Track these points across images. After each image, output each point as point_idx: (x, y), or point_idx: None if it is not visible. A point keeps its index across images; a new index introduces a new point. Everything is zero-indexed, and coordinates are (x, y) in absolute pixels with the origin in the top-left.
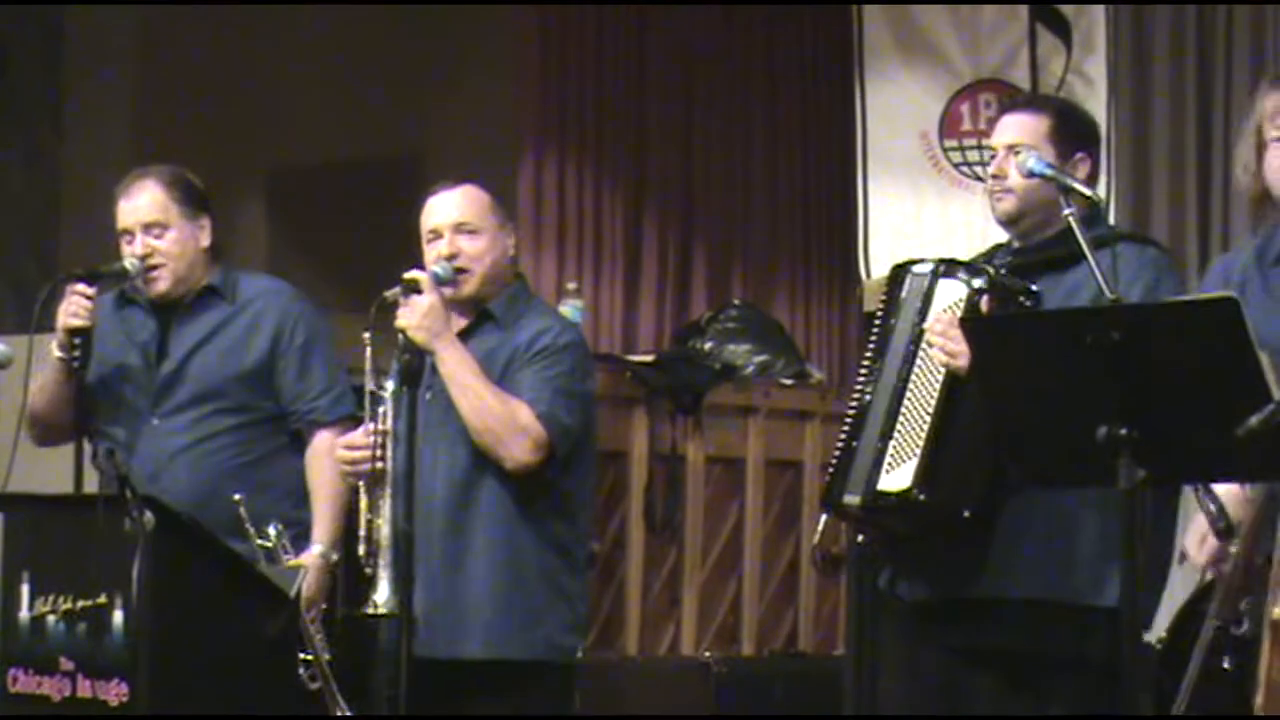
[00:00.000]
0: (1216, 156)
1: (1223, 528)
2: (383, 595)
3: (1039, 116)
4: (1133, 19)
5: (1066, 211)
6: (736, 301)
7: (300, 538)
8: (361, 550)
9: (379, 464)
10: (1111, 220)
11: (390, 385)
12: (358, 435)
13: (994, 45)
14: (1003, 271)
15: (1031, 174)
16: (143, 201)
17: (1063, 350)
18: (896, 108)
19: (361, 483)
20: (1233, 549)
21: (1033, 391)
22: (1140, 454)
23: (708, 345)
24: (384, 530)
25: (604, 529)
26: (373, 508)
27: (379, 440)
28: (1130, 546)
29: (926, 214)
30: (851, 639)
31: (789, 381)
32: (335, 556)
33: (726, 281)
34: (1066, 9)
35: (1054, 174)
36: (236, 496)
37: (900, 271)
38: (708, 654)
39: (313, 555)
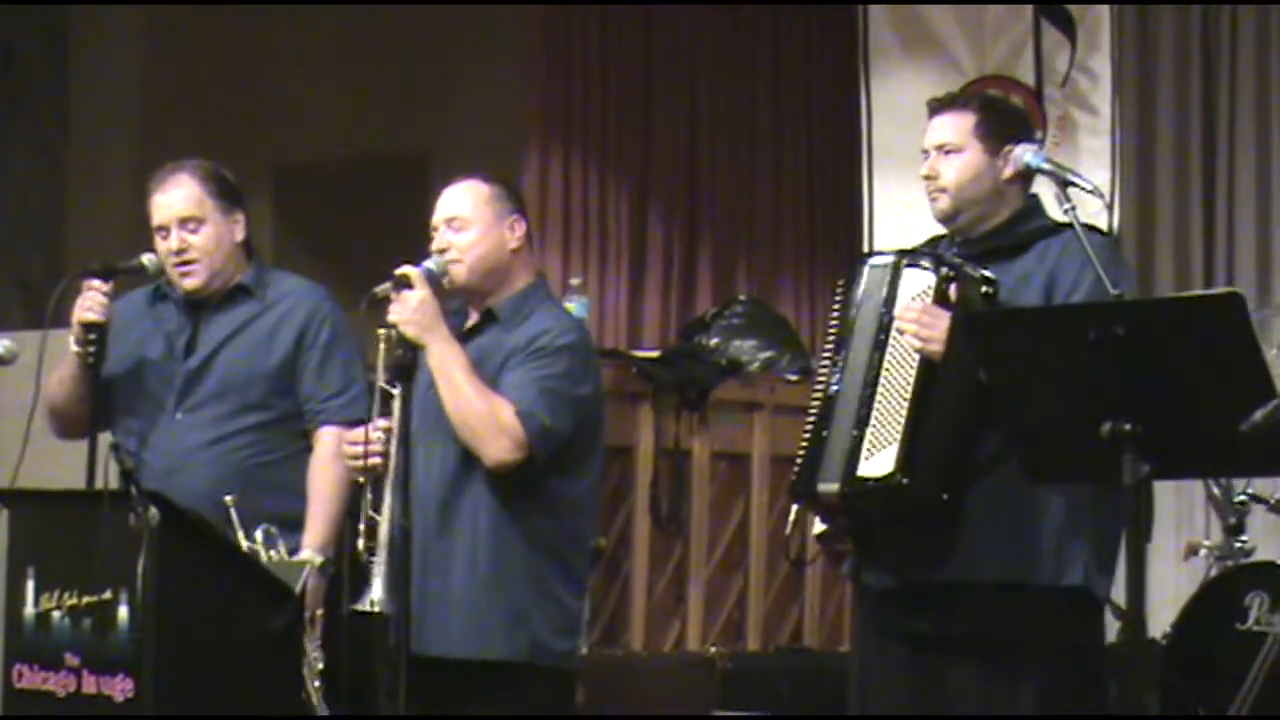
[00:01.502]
0: (1221, 153)
1: (1233, 524)
2: (378, 593)
3: (963, 114)
4: (1138, 16)
5: (1065, 207)
6: (742, 297)
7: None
8: (361, 545)
9: (383, 459)
10: (1117, 217)
11: (399, 385)
12: (364, 431)
13: (999, 41)
14: (957, 260)
15: (1029, 169)
16: (179, 196)
17: (1066, 345)
18: (901, 104)
19: (364, 479)
20: (1236, 544)
21: (1036, 387)
22: (1144, 449)
23: (713, 341)
24: (384, 528)
25: (609, 525)
26: (376, 505)
27: (388, 436)
28: (1135, 542)
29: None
30: (856, 634)
31: (794, 377)
32: (320, 559)
33: (732, 277)
34: (1071, 5)
35: (1052, 169)
36: (228, 498)
37: (856, 264)
38: (713, 649)
39: (300, 559)
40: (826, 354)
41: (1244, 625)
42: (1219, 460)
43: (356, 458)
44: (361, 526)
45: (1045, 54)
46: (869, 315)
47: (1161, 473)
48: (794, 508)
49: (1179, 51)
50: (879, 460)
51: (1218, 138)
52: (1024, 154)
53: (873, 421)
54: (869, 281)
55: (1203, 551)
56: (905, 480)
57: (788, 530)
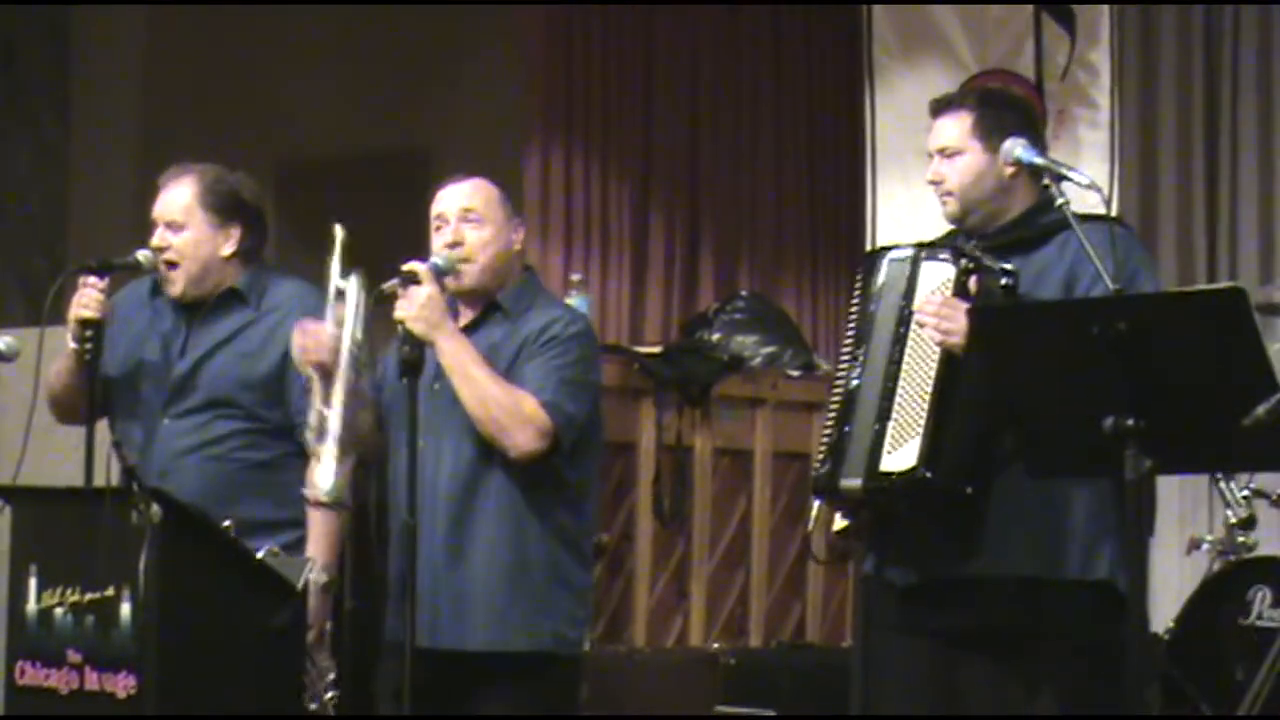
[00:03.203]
0: (1223, 146)
1: (1244, 517)
2: (325, 479)
3: (960, 115)
4: (1140, 12)
5: (1060, 201)
6: (744, 292)
7: (300, 544)
8: (309, 435)
9: (332, 356)
10: (1115, 210)
11: (352, 280)
12: (318, 325)
13: (1000, 37)
14: (977, 252)
15: (1020, 162)
16: (170, 198)
17: (1070, 340)
18: (904, 101)
19: (315, 372)
20: (1239, 539)
21: (1040, 381)
22: (1147, 444)
23: (715, 336)
24: (331, 418)
25: (612, 521)
26: (325, 398)
27: (337, 334)
28: (1135, 537)
29: (934, 206)
30: (859, 630)
31: (796, 373)
32: (325, 579)
33: (733, 273)
34: (1072, 1)
35: (1045, 163)
36: (226, 523)
37: (874, 257)
38: (716, 646)
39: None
40: (846, 348)
41: (1246, 620)
42: (1221, 455)
43: (306, 349)
44: (310, 420)
45: (1045, 48)
46: (888, 309)
47: (1164, 468)
48: (816, 504)
49: (1181, 45)
50: (902, 454)
51: (1220, 131)
52: (1014, 148)
53: (895, 416)
54: (888, 275)
55: (1205, 546)
56: (929, 474)
57: (809, 527)
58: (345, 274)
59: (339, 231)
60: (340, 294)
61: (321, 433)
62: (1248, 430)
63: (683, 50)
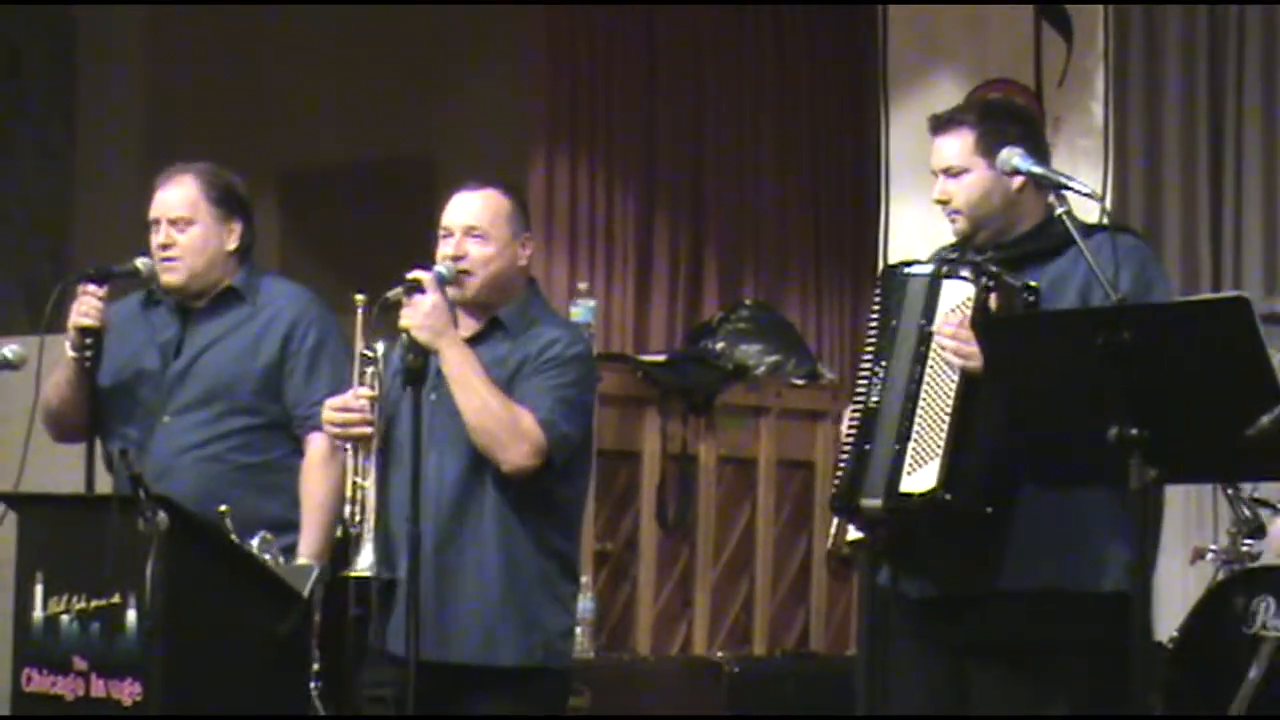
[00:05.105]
0: (1228, 154)
1: (1253, 527)
2: (365, 559)
3: (961, 132)
4: (1144, 17)
5: (1059, 211)
6: (748, 301)
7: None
8: (347, 512)
9: (368, 428)
10: (1106, 220)
11: (380, 347)
12: (348, 397)
13: (1002, 44)
14: (996, 269)
15: (1017, 171)
16: (175, 196)
17: (1075, 350)
18: (915, 109)
19: (349, 446)
20: (1243, 548)
21: (1045, 391)
22: (1151, 453)
23: (719, 345)
24: (370, 494)
25: (616, 529)
26: (360, 471)
27: (367, 403)
28: (1140, 545)
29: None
30: (863, 639)
31: (800, 381)
32: (318, 569)
33: (738, 281)
34: (1069, 5)
35: (1043, 172)
36: (223, 508)
37: (894, 273)
38: (719, 654)
39: (301, 564)
40: (865, 365)
41: (1250, 629)
42: (1225, 465)
43: (342, 424)
44: (348, 494)
45: (1044, 54)
46: (909, 328)
47: (1168, 477)
48: (835, 520)
49: (1185, 52)
50: (921, 476)
51: (1224, 139)
52: (1010, 157)
53: (914, 436)
54: (908, 292)
55: (1209, 555)
56: (948, 496)
57: (829, 544)
58: (370, 343)
59: (359, 298)
60: (367, 360)
61: (359, 506)
62: (1252, 440)
63: (686, 58)
